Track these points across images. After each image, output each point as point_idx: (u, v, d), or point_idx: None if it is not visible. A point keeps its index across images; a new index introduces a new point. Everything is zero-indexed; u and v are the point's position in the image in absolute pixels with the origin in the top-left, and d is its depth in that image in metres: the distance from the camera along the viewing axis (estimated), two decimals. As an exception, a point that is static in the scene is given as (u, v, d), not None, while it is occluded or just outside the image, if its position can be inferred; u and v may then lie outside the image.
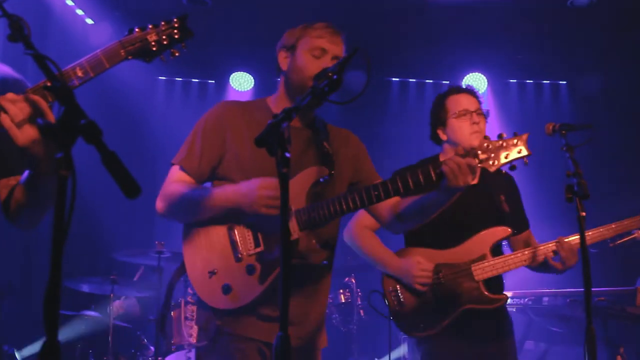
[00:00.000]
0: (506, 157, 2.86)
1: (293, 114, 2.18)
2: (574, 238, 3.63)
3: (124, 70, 7.03)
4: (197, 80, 8.79)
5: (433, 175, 2.83)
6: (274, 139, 2.05)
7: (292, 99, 3.01)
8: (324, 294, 3.11)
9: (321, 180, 2.90)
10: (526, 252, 3.71)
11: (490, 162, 2.86)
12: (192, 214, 2.90)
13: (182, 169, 2.97)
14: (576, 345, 4.94)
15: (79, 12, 7.23)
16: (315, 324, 3.03)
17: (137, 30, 2.47)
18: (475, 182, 2.75)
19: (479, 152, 2.87)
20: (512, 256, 3.72)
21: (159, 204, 2.95)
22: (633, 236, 4.72)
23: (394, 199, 3.08)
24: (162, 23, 2.53)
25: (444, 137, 3.92)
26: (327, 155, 3.00)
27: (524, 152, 2.88)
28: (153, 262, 6.11)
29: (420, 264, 3.63)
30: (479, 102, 3.87)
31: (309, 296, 2.98)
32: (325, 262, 2.94)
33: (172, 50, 2.56)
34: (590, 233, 3.70)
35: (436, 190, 2.92)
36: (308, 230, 2.83)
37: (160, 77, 8.66)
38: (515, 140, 2.89)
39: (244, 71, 8.40)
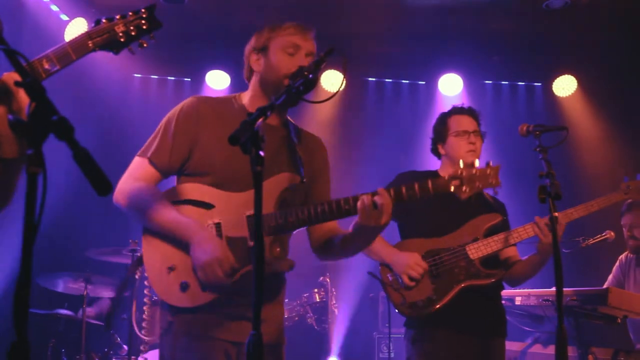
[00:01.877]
0: (478, 187, 2.96)
1: (267, 113, 2.18)
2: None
3: (98, 66, 7.03)
4: (173, 78, 8.75)
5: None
6: (248, 137, 2.04)
7: (268, 97, 2.98)
8: (282, 298, 3.09)
9: (291, 187, 2.89)
10: (518, 229, 3.88)
11: (463, 189, 2.93)
12: (150, 226, 2.86)
13: (152, 163, 2.91)
14: (549, 345, 5.00)
15: (54, 8, 7.17)
16: (277, 323, 3.01)
17: (104, 21, 2.45)
18: (384, 221, 2.78)
19: (452, 179, 2.93)
20: (504, 234, 3.90)
21: (120, 198, 2.89)
22: (604, 237, 4.78)
23: (333, 228, 3.12)
24: (130, 14, 2.51)
25: (442, 151, 4.17)
26: (300, 161, 2.98)
27: (495, 183, 3.01)
28: (127, 260, 6.07)
29: (416, 258, 3.80)
30: (478, 124, 4.13)
31: (270, 300, 2.94)
32: (288, 270, 2.91)
33: (140, 41, 2.54)
34: (573, 209, 3.89)
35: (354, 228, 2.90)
36: (273, 237, 2.81)
37: (135, 75, 8.60)
38: (488, 171, 3.01)
39: (220, 69, 8.41)
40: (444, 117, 4.18)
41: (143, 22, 2.50)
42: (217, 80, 8.44)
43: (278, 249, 2.83)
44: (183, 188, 2.90)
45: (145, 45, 2.54)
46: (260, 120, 2.12)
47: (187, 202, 2.87)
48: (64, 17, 7.25)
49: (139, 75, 8.64)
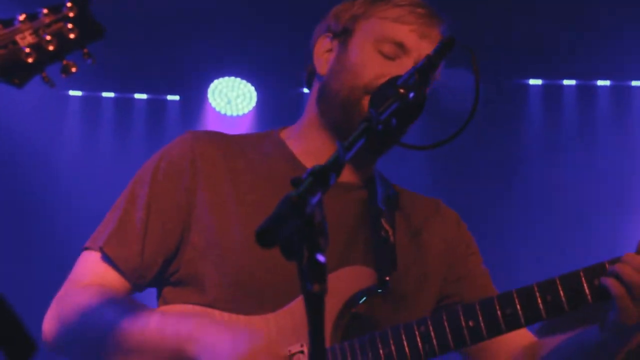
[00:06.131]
0: None
1: (331, 178, 2.07)
2: None
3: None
4: (144, 96, 8.89)
5: (587, 292, 2.81)
6: (295, 229, 1.92)
7: (331, 128, 3.02)
8: None
9: (362, 296, 2.90)
10: None
11: None
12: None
13: (108, 259, 2.95)
14: None
15: None
16: None
17: None
18: None
19: None
20: None
21: (50, 326, 2.93)
22: None
23: (527, 336, 3.14)
24: (45, 12, 2.52)
25: None
26: (386, 245, 3.00)
27: None
28: None
29: None
30: None
31: None
32: None
33: (64, 62, 2.56)
34: None
35: (599, 326, 2.89)
36: None
37: (72, 93, 8.71)
38: None
39: (234, 77, 8.37)
40: None
41: (69, 25, 2.50)
42: (231, 98, 8.46)
43: None
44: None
45: (73, 69, 2.55)
46: (318, 194, 1.97)
47: None
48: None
49: (79, 94, 8.75)
